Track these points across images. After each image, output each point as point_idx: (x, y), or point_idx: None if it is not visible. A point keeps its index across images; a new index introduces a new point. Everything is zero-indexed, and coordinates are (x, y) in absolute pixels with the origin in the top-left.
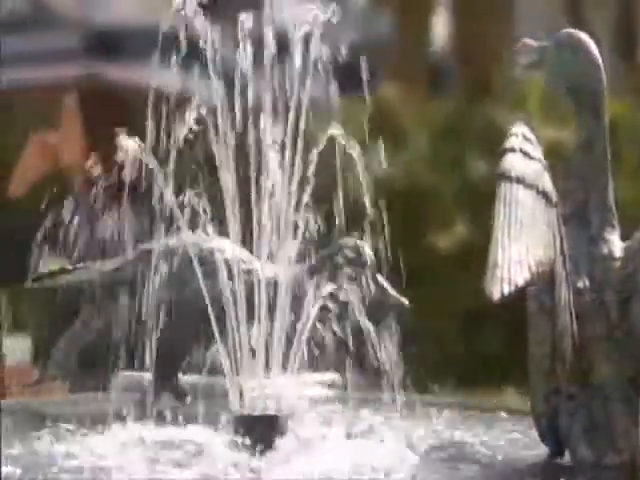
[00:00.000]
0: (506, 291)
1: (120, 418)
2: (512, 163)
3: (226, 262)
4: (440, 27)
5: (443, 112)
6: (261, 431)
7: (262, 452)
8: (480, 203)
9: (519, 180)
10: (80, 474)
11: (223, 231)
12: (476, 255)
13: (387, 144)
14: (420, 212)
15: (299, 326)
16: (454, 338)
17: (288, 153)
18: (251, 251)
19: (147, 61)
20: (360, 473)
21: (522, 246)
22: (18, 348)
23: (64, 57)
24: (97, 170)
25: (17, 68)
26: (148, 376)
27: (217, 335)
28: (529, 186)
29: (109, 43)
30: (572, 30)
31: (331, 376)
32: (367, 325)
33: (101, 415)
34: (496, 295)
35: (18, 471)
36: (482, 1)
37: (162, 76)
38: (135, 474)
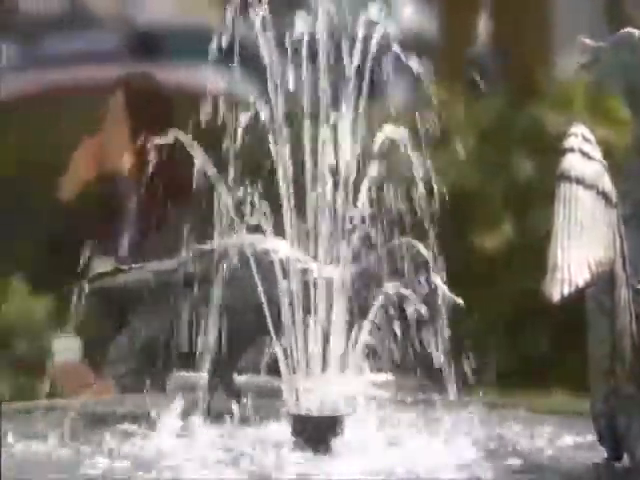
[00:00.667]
0: (566, 292)
1: (177, 417)
2: (572, 163)
3: (281, 262)
4: (482, 27)
5: (488, 112)
6: (318, 431)
7: (320, 452)
8: (526, 203)
9: (579, 180)
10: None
11: (279, 231)
12: (522, 255)
13: (434, 145)
14: (467, 213)
15: (356, 326)
16: (501, 338)
17: (343, 154)
18: (307, 251)
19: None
20: (415, 474)
21: (582, 247)
22: (69, 348)
23: (107, 58)
24: (142, 171)
25: (61, 68)
26: (203, 376)
27: (274, 335)
28: (589, 186)
29: (151, 43)
30: (630, 29)
31: (386, 376)
32: (422, 325)
33: (157, 415)
34: (556, 296)
35: (126, 464)
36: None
37: (209, 76)
38: (196, 473)
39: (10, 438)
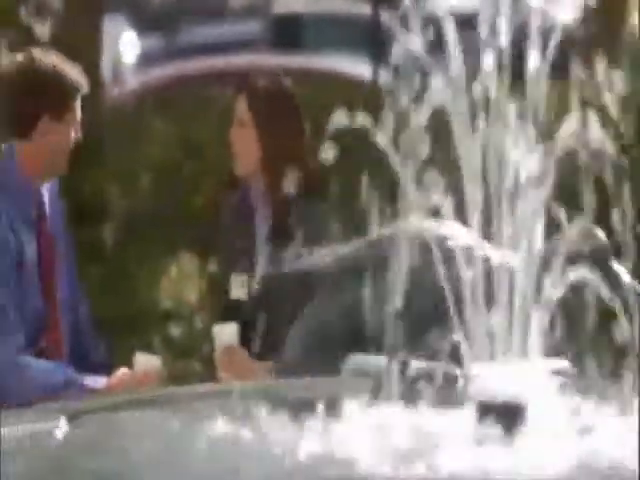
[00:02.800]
0: None
1: (353, 402)
2: None
3: (459, 248)
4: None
5: None
6: (504, 418)
7: (504, 441)
8: None
9: None
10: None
11: (460, 217)
12: None
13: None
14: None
15: (536, 312)
16: None
17: (522, 140)
18: (488, 237)
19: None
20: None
21: None
22: (228, 332)
23: (245, 47)
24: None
25: (202, 58)
26: (380, 360)
27: (455, 320)
28: None
29: (289, 32)
30: None
31: (564, 364)
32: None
33: (334, 399)
34: None
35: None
36: None
37: (351, 65)
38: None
39: (220, 422)
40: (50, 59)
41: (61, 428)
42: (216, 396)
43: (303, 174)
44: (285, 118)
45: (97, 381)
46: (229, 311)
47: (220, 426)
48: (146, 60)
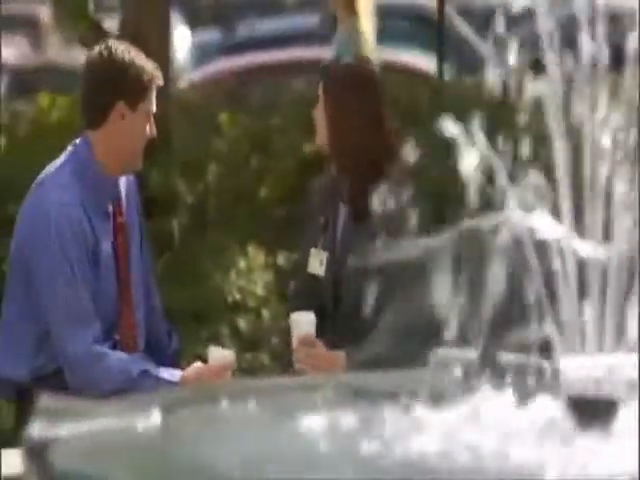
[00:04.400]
0: None
1: (438, 395)
2: None
3: (550, 240)
4: None
5: None
6: (596, 413)
7: (597, 435)
8: None
9: None
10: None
11: (554, 210)
12: None
13: None
14: None
15: (628, 306)
16: None
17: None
18: (580, 230)
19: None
20: None
21: None
22: (305, 322)
23: (305, 39)
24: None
25: (268, 49)
26: (467, 353)
27: (545, 314)
28: None
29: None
30: None
31: None
32: None
33: (420, 392)
34: None
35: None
36: None
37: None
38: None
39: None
40: (127, 49)
41: (156, 420)
42: (304, 388)
43: (384, 161)
44: (355, 106)
45: (173, 374)
46: (302, 290)
47: (312, 418)
48: (205, 53)
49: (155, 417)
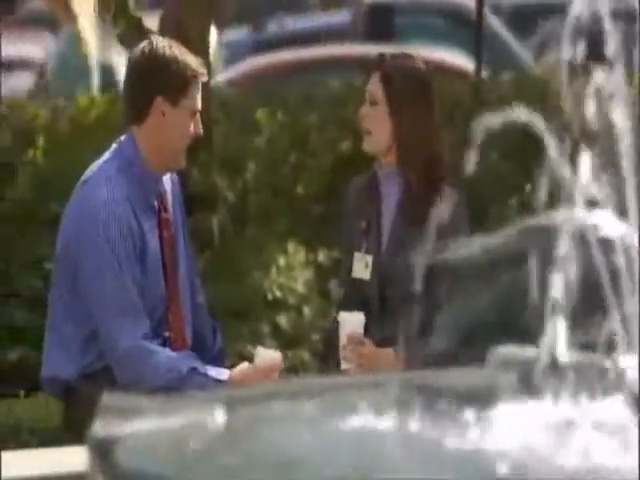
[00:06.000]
0: None
1: (498, 394)
2: None
3: (613, 238)
4: None
5: None
6: None
7: None
8: None
9: None
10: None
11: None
12: None
13: None
14: None
15: None
16: None
17: None
18: None
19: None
20: None
21: None
22: (354, 321)
23: (338, 37)
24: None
25: (299, 47)
26: (529, 352)
27: (611, 311)
28: None
29: (382, 22)
30: None
31: None
32: None
33: (478, 390)
34: None
35: None
36: None
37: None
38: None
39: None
40: (169, 45)
41: (219, 418)
42: (359, 387)
43: (434, 160)
44: (419, 100)
45: (221, 373)
46: (350, 295)
47: (367, 417)
48: (234, 52)
49: (219, 415)
